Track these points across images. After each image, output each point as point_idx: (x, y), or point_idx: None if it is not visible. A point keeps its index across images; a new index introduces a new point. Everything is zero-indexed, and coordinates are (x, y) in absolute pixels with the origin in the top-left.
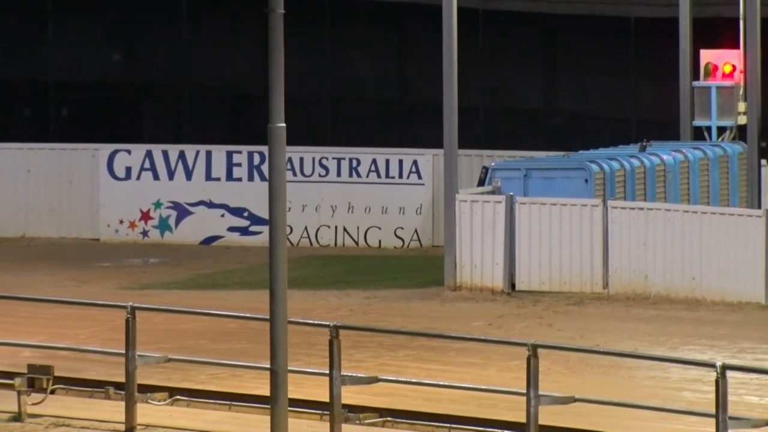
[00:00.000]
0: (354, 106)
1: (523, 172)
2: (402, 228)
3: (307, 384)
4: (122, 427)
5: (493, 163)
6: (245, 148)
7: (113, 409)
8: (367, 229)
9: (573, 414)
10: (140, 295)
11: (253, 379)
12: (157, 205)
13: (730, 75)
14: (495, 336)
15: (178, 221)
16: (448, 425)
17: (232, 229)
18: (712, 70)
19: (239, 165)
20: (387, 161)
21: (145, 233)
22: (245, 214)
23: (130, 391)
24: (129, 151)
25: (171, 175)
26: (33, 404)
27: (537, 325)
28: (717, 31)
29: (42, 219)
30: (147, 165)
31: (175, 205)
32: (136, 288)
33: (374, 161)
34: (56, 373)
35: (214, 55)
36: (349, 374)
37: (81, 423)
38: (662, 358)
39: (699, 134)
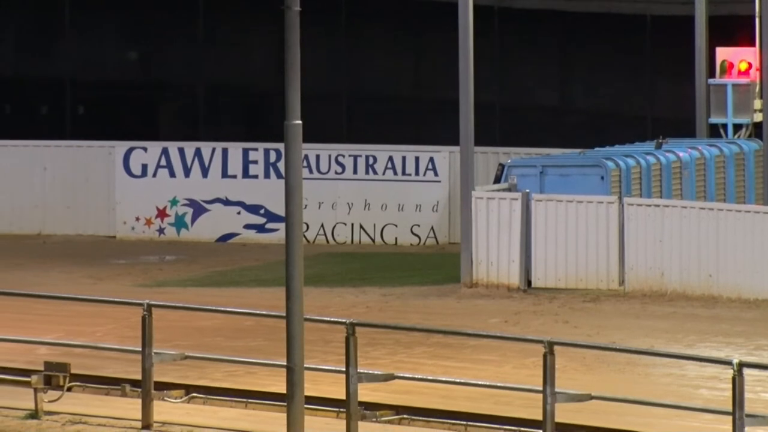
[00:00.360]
0: (370, 104)
1: (539, 169)
2: (418, 225)
3: (323, 381)
4: (139, 424)
5: (509, 161)
6: (261, 146)
7: (130, 407)
8: (384, 227)
9: (589, 411)
10: (156, 293)
11: (269, 376)
12: (174, 202)
13: (746, 72)
14: (511, 333)
15: (194, 219)
16: (465, 422)
17: (248, 226)
18: (727, 68)
19: (255, 162)
20: (403, 158)
21: (161, 231)
22: (261, 211)
23: (146, 388)
24: (145, 149)
25: (187, 172)
26: (50, 401)
27: (553, 322)
28: (733, 28)
29: (58, 216)
30: (163, 162)
31: (191, 203)
32: (153, 285)
33: (390, 158)
34: (73, 371)
35: (231, 52)
36: (366, 371)
37: (97, 420)
38: (678, 355)
39: (715, 131)
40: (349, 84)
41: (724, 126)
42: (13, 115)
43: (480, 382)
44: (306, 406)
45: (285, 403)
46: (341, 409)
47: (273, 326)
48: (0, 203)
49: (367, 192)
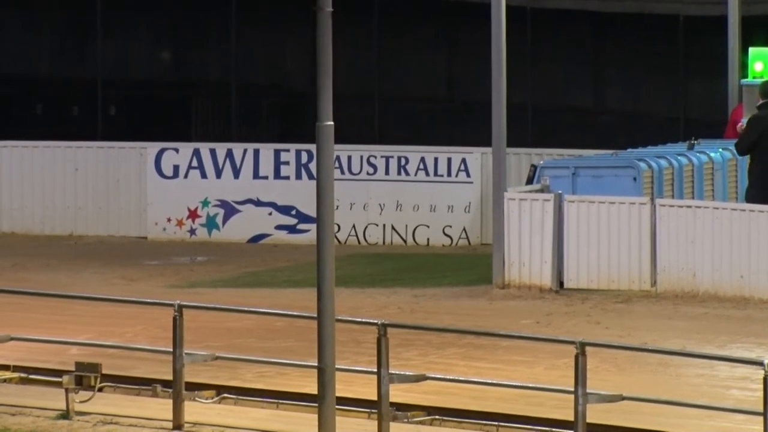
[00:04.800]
0: (402, 104)
1: (572, 170)
2: (450, 226)
3: (354, 382)
4: (170, 424)
5: (541, 162)
6: (293, 147)
7: (161, 407)
8: (416, 228)
9: (621, 412)
10: (188, 293)
11: (301, 377)
12: (205, 203)
13: None
14: (543, 334)
15: (225, 219)
16: (496, 423)
17: (279, 227)
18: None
19: (287, 163)
20: (435, 159)
21: (192, 231)
22: (293, 212)
23: (177, 389)
24: (177, 150)
25: (219, 173)
26: (81, 402)
27: (585, 323)
28: (766, 28)
29: (90, 217)
30: (195, 163)
31: (223, 204)
32: (184, 286)
33: (422, 159)
34: (104, 371)
35: (263, 52)
36: (397, 372)
37: (128, 420)
38: (710, 356)
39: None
40: (381, 84)
41: None
42: (45, 116)
43: (512, 383)
44: (337, 406)
45: (316, 404)
46: (373, 410)
47: (305, 327)
48: (32, 204)
49: (399, 193)
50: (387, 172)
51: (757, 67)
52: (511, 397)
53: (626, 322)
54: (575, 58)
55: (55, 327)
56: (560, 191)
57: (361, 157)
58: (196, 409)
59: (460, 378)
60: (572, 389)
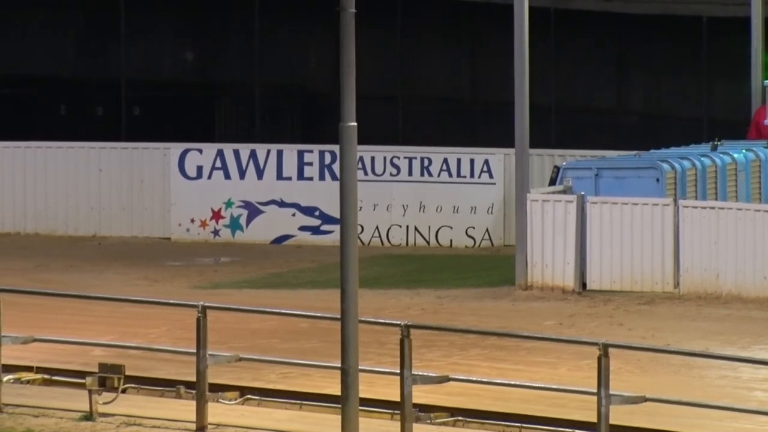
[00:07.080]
0: (425, 106)
1: (595, 171)
2: (473, 227)
3: (377, 383)
4: (193, 426)
5: (564, 163)
6: (316, 148)
7: (184, 409)
8: (439, 229)
9: (644, 413)
10: (211, 295)
11: (324, 378)
12: (228, 204)
13: None
14: (566, 335)
15: (249, 220)
16: (519, 424)
17: (303, 228)
18: None
19: (310, 164)
20: (458, 160)
21: (216, 232)
22: (316, 213)
23: (201, 390)
24: (200, 151)
25: (242, 174)
26: (104, 403)
27: (608, 324)
28: None
29: (113, 218)
30: (218, 164)
31: (246, 205)
32: (208, 287)
33: (445, 160)
34: (127, 372)
35: (287, 53)
36: (420, 373)
37: (152, 422)
38: (733, 357)
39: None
40: (404, 86)
41: None
42: (69, 116)
43: (535, 384)
44: (360, 407)
45: (339, 405)
46: (396, 411)
47: (328, 328)
48: (56, 205)
49: (422, 194)
50: (410, 173)
51: None
52: (534, 398)
53: (649, 323)
54: (598, 59)
55: (78, 328)
56: (583, 192)
57: (385, 158)
58: (219, 411)
59: (483, 379)
60: (595, 390)
